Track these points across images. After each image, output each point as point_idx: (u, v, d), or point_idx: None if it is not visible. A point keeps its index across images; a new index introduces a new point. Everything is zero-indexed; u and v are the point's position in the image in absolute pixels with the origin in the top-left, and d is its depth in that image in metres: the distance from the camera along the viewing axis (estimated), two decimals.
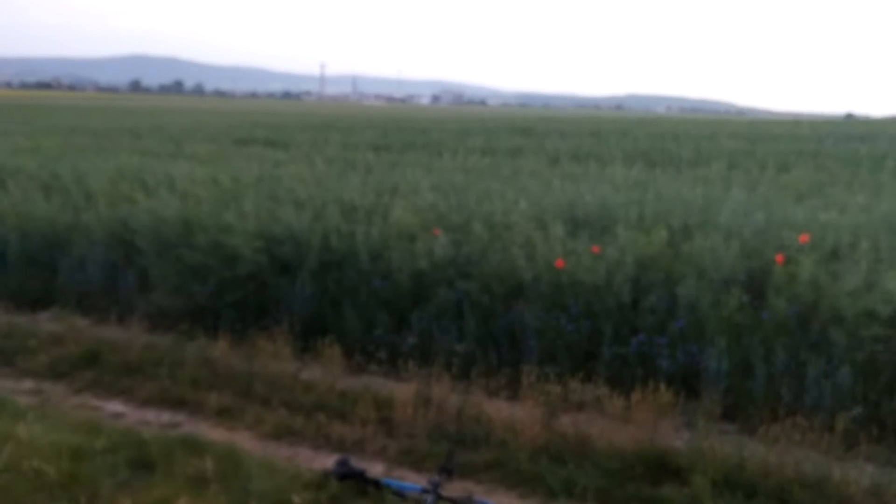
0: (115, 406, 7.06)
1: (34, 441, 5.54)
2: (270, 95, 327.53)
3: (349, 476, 2.82)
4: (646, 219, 9.87)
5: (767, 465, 5.62)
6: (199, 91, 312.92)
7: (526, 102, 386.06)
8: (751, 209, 10.23)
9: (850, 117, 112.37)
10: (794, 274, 7.20)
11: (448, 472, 2.85)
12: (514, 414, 6.43)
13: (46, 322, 9.26)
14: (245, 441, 6.28)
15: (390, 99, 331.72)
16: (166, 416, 6.82)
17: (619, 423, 6.25)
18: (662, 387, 6.41)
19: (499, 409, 6.55)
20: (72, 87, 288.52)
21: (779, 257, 7.54)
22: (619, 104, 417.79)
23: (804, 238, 8.04)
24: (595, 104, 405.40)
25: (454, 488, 2.92)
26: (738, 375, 6.85)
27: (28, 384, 7.52)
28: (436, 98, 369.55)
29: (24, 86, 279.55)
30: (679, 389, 6.59)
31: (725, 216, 9.55)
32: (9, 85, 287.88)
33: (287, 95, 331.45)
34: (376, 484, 2.80)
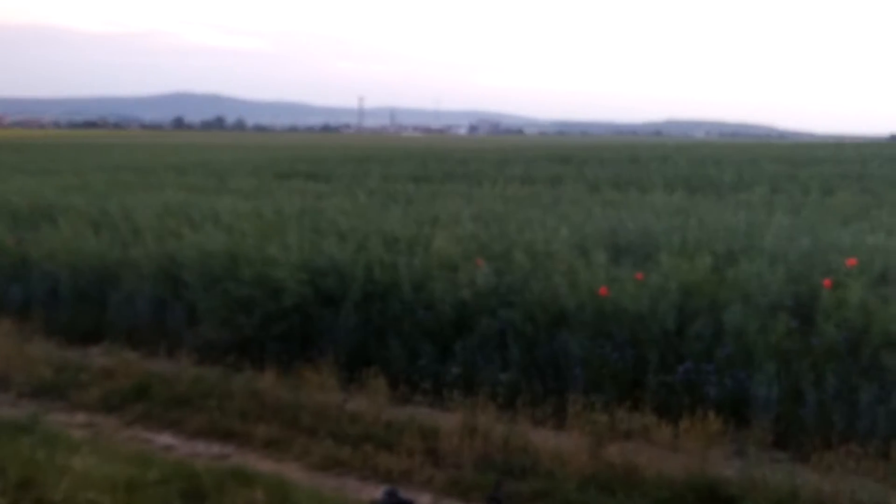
0: (166, 438, 7.18)
1: (89, 473, 5.64)
2: (310, 129, 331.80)
3: None
4: (689, 245, 9.80)
5: (821, 494, 5.53)
6: (240, 126, 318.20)
7: (563, 131, 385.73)
8: (796, 233, 10.12)
9: (895, 138, 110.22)
10: (843, 298, 7.11)
11: (496, 501, 2.88)
12: (560, 443, 6.41)
13: (97, 356, 9.46)
14: (293, 472, 6.34)
15: (428, 130, 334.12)
16: (215, 448, 6.92)
17: (667, 452, 6.21)
18: (711, 414, 6.35)
19: (545, 439, 6.53)
20: (117, 126, 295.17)
21: (826, 282, 7.46)
22: (657, 130, 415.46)
23: (852, 262, 7.93)
24: (633, 131, 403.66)
25: None
26: (789, 402, 6.75)
27: (81, 417, 7.69)
28: (473, 128, 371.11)
29: (72, 125, 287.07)
30: (728, 417, 6.52)
31: (770, 241, 9.46)
32: (57, 124, 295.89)
33: (326, 128, 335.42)
34: None
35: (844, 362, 6.71)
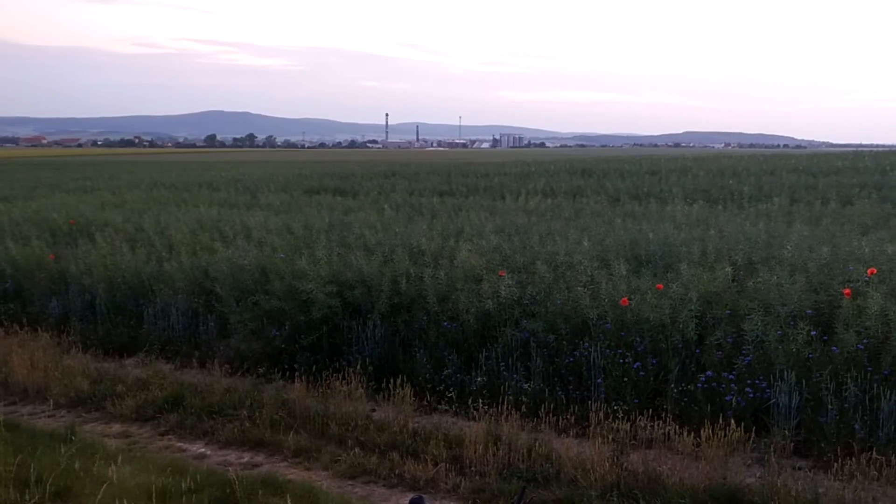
0: (198, 447, 7.37)
1: (124, 482, 5.80)
2: (338, 145, 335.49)
3: None
4: (709, 255, 9.89)
5: (843, 503, 5.57)
6: (270, 143, 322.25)
7: (584, 144, 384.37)
8: (815, 243, 10.14)
9: None
10: (863, 307, 7.13)
11: None
12: (583, 451, 6.50)
13: (132, 368, 9.72)
14: (322, 480, 6.50)
15: (452, 144, 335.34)
16: (247, 457, 7.10)
17: (689, 460, 6.25)
18: (732, 423, 6.38)
19: (568, 447, 6.61)
20: (152, 144, 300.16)
21: (846, 291, 7.49)
22: (676, 142, 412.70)
23: (871, 271, 7.95)
24: (652, 143, 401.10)
25: None
26: (809, 410, 6.79)
27: (116, 427, 7.92)
28: (496, 142, 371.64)
29: (109, 144, 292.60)
30: (749, 425, 6.57)
31: (790, 251, 9.49)
32: (95, 143, 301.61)
33: (353, 144, 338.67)
34: None
35: (865, 371, 6.73)
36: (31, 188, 33.18)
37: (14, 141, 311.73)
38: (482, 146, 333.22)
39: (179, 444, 7.47)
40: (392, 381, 7.87)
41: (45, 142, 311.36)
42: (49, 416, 8.23)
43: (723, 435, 6.26)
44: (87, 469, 6.17)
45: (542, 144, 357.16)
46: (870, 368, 6.76)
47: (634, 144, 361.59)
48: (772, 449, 6.30)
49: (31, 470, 6.00)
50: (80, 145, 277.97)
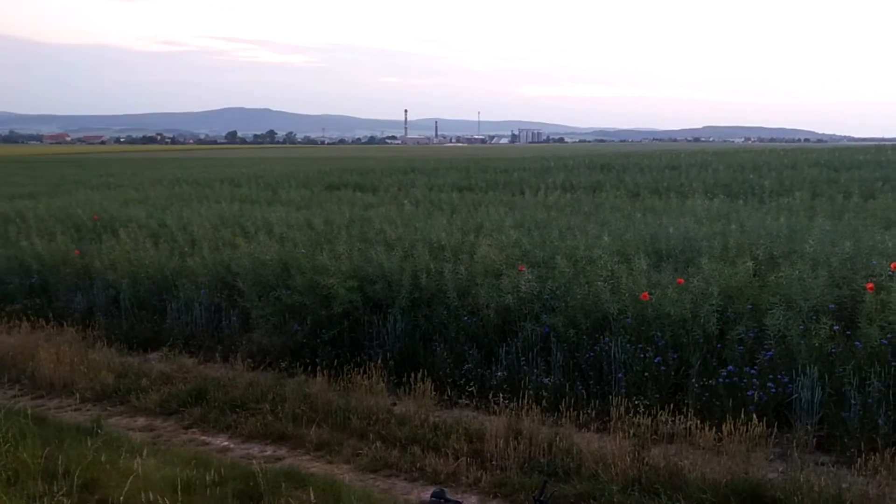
0: (222, 441, 7.45)
1: (149, 475, 5.89)
2: (357, 141, 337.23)
3: None
4: (730, 250, 9.84)
5: (867, 498, 5.53)
6: (290, 139, 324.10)
7: (603, 139, 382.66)
8: (837, 238, 10.06)
9: None
10: (886, 301, 7.08)
11: (541, 503, 2.98)
12: (604, 446, 6.51)
13: (156, 362, 9.84)
14: (344, 473, 6.55)
15: (471, 140, 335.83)
16: (269, 450, 7.18)
17: (710, 455, 6.23)
18: (754, 418, 6.36)
19: (589, 442, 6.63)
20: (174, 141, 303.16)
21: (869, 285, 7.43)
22: (696, 136, 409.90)
23: (895, 265, 7.89)
24: (671, 137, 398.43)
25: None
26: (832, 405, 6.75)
27: (141, 421, 8.03)
28: (515, 137, 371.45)
29: (131, 140, 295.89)
30: (771, 420, 6.54)
31: (812, 245, 9.45)
32: (117, 140, 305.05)
33: (372, 140, 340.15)
34: None
35: (888, 365, 6.68)
36: (55, 185, 33.58)
37: (38, 138, 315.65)
38: (501, 141, 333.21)
39: (203, 437, 7.57)
40: (413, 375, 7.90)
41: (68, 139, 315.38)
42: (75, 410, 8.36)
43: (745, 430, 6.25)
44: (113, 462, 6.26)
45: (561, 140, 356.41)
46: (893, 363, 6.71)
47: (654, 139, 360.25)
48: (794, 444, 6.29)
49: (59, 462, 6.09)
50: (103, 142, 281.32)
